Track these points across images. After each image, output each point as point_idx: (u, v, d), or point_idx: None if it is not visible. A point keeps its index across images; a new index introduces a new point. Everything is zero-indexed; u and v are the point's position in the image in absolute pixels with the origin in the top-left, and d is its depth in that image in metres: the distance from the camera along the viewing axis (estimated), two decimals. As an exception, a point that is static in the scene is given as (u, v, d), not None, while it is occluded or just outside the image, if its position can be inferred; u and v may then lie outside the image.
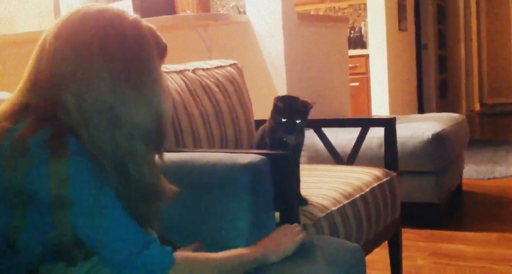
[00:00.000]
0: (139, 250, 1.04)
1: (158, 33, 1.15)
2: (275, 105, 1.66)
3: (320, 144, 2.58)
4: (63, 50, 1.04)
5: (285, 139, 1.66)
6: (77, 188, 1.00)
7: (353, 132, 2.51)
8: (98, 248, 1.04)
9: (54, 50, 1.05)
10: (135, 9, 3.68)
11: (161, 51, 1.15)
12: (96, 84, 1.03)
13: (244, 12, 3.63)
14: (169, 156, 1.57)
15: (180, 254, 1.12)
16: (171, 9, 4.12)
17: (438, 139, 3.09)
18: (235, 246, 1.40)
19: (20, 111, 1.05)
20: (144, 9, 3.84)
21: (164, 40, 1.17)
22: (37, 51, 1.08)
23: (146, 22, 1.13)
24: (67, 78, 1.03)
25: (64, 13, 1.10)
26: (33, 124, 1.01)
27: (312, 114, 3.66)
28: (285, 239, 1.34)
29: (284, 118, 1.62)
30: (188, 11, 3.83)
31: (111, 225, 1.03)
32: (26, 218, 1.01)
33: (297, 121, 1.61)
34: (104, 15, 1.08)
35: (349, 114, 4.37)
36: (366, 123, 2.48)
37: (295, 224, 1.42)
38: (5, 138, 1.00)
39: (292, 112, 1.62)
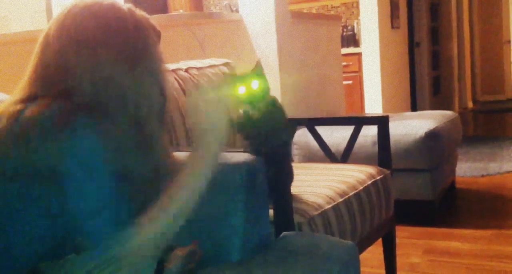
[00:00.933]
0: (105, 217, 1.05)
1: (152, 21, 1.22)
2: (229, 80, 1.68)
3: (313, 142, 2.58)
4: (70, 42, 1.10)
5: (242, 113, 1.62)
6: (75, 158, 1.02)
7: (347, 131, 2.51)
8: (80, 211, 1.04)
9: (60, 43, 1.11)
10: (127, 8, 3.68)
11: (157, 37, 1.23)
12: (109, 70, 1.09)
13: (237, 11, 3.62)
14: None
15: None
16: (163, 8, 4.12)
17: (431, 136, 3.10)
18: (230, 245, 1.40)
19: (33, 97, 1.09)
20: (136, 8, 3.83)
21: (158, 28, 1.24)
22: (41, 46, 1.14)
23: (139, 10, 1.21)
24: (79, 69, 1.09)
25: (61, 9, 1.15)
26: (45, 102, 1.05)
27: (306, 113, 3.68)
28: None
29: (240, 87, 1.59)
30: (181, 10, 3.83)
31: (95, 196, 1.04)
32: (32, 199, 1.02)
33: (253, 84, 1.56)
34: (101, 6, 1.14)
35: (342, 113, 4.37)
36: (359, 121, 2.48)
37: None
38: (17, 116, 1.04)
39: (247, 78, 1.54)
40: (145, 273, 1.14)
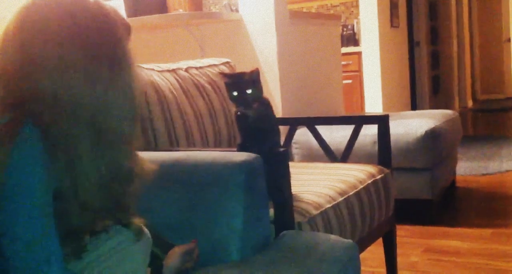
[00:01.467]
0: (38, 264, 0.97)
1: (121, 13, 1.15)
2: (224, 83, 1.68)
3: (313, 142, 2.58)
4: (32, 39, 1.03)
5: (239, 113, 1.67)
6: (12, 172, 0.97)
7: (347, 130, 2.51)
8: (4, 237, 0.98)
9: (21, 39, 1.04)
10: (127, 8, 3.67)
11: (127, 30, 1.15)
12: (72, 70, 1.03)
13: (237, 10, 3.62)
14: (163, 155, 1.58)
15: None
16: (163, 8, 4.11)
17: (431, 135, 3.10)
18: (230, 244, 1.40)
19: None
20: (136, 8, 3.83)
21: (128, 21, 1.17)
22: (0, 41, 1.06)
23: (107, 2, 1.13)
24: (40, 67, 1.02)
25: (23, 2, 1.08)
26: None
27: (306, 112, 3.68)
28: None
29: (235, 92, 1.63)
30: (180, 10, 3.82)
31: (28, 218, 0.97)
32: None
33: (248, 91, 1.62)
34: (66, 0, 1.07)
35: (342, 112, 4.37)
36: (359, 120, 2.48)
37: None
38: None
39: (240, 84, 1.63)
40: (139, 269, 1.14)
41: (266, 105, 1.71)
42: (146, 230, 1.17)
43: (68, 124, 1.02)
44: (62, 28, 1.04)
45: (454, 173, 3.89)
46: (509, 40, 9.86)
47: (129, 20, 3.44)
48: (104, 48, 1.07)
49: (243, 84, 1.64)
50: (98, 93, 1.05)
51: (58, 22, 1.04)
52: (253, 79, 1.64)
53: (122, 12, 3.72)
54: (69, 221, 1.05)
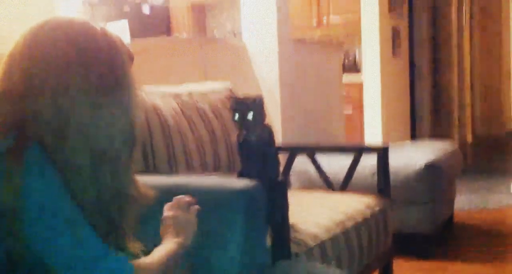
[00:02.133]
0: (95, 261, 1.01)
1: (125, 42, 1.17)
2: (230, 107, 1.70)
3: (312, 170, 2.57)
4: (38, 61, 1.04)
5: (242, 137, 1.67)
6: (31, 197, 0.98)
7: (346, 160, 2.50)
8: (52, 262, 1.00)
9: (28, 61, 1.05)
10: (131, 31, 3.69)
11: (130, 59, 1.17)
12: (75, 93, 1.04)
13: (240, 36, 3.64)
14: (162, 179, 1.57)
15: (134, 262, 1.09)
16: (167, 31, 4.14)
17: (431, 168, 3.08)
18: (226, 270, 1.38)
19: None
20: (140, 31, 3.85)
21: (131, 50, 1.19)
22: (6, 63, 1.07)
23: (112, 31, 1.15)
24: (44, 89, 1.03)
25: (30, 27, 1.09)
26: None
27: (306, 140, 3.67)
28: (183, 218, 1.28)
29: (237, 116, 1.65)
30: (184, 34, 3.84)
31: (66, 234, 1.00)
32: None
33: (249, 116, 1.63)
34: (74, 25, 1.09)
35: (343, 141, 4.36)
36: (359, 150, 2.47)
37: (180, 197, 1.33)
38: None
39: (242, 109, 1.64)
40: None
41: (269, 132, 1.71)
42: (142, 257, 1.15)
43: (69, 147, 1.03)
44: (67, 54, 1.05)
45: (453, 207, 3.87)
46: (509, 72, 9.92)
47: (134, 42, 3.45)
48: (108, 74, 1.08)
49: (246, 109, 1.64)
50: (100, 118, 1.06)
51: (64, 48, 1.05)
52: (255, 104, 1.65)
53: (127, 34, 3.73)
54: None
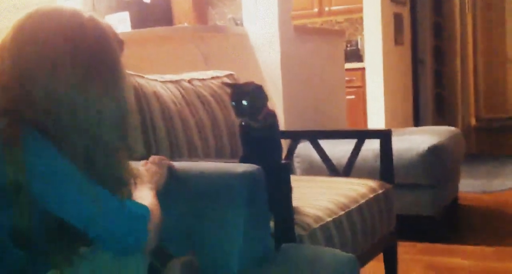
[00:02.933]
0: (115, 211, 1.06)
1: (114, 29, 1.20)
2: (229, 94, 1.72)
3: (315, 156, 2.58)
4: (28, 49, 1.07)
5: (243, 123, 1.68)
6: (33, 164, 1.01)
7: (349, 145, 2.50)
8: (73, 218, 1.04)
9: (18, 50, 1.08)
10: (132, 21, 3.69)
11: (120, 45, 1.19)
12: (65, 79, 1.06)
13: (241, 24, 3.64)
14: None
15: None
16: (168, 21, 4.13)
17: (434, 151, 3.08)
18: (230, 257, 1.39)
19: None
20: (141, 21, 3.85)
21: (121, 37, 1.21)
22: None
23: (102, 18, 1.18)
24: (34, 76, 1.06)
25: (20, 16, 1.12)
26: None
27: (308, 126, 3.67)
28: (155, 169, 1.40)
29: (233, 102, 1.65)
30: (186, 23, 3.84)
31: (81, 195, 1.04)
32: None
33: (244, 101, 1.63)
34: (63, 13, 1.12)
35: (345, 127, 4.37)
36: (362, 135, 2.48)
37: (154, 156, 1.47)
38: None
39: (239, 95, 1.65)
40: None
41: (272, 117, 1.71)
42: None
43: (63, 130, 1.06)
44: (55, 41, 1.08)
45: (457, 190, 3.87)
46: (512, 60, 9.89)
47: (135, 32, 3.48)
48: (96, 60, 1.10)
49: (241, 96, 1.65)
50: (90, 102, 1.08)
51: (52, 35, 1.08)
52: (250, 90, 1.65)
53: (128, 24, 3.73)
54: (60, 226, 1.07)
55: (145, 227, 1.10)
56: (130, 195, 1.18)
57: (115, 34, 1.18)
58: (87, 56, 1.09)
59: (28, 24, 1.09)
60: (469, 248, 3.01)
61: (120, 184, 1.14)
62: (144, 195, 1.23)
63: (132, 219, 1.08)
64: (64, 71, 1.06)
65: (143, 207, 1.12)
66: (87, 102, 1.08)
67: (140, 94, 1.92)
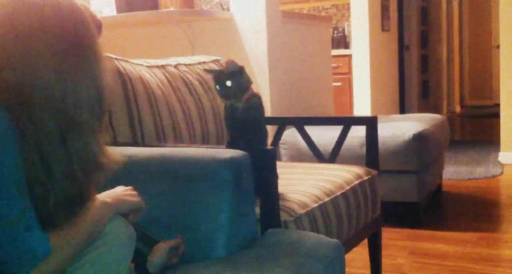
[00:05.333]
0: (21, 227, 0.99)
1: (92, 10, 1.18)
2: (212, 78, 1.71)
3: (302, 142, 2.58)
4: (2, 32, 1.05)
5: (228, 105, 1.68)
6: None
7: (335, 131, 2.51)
8: None
9: None
10: (118, 4, 3.66)
11: (98, 27, 1.17)
12: (39, 60, 1.05)
13: (228, 9, 3.62)
14: (150, 150, 1.57)
15: (53, 238, 1.06)
16: (154, 5, 4.10)
17: (419, 138, 3.11)
18: (215, 241, 1.39)
19: None
20: (127, 5, 3.82)
21: (99, 18, 1.19)
22: None
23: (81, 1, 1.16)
24: (8, 58, 1.04)
25: None
26: None
27: (295, 113, 3.67)
28: (128, 196, 1.27)
29: (217, 84, 1.65)
30: (172, 7, 3.81)
31: (7, 194, 0.99)
32: None
33: (228, 82, 1.64)
34: None
35: (332, 114, 4.37)
36: (348, 121, 2.48)
37: (129, 187, 1.31)
38: None
39: (222, 77, 1.65)
40: (122, 265, 1.13)
41: (256, 98, 1.71)
42: (129, 224, 1.17)
43: (37, 113, 1.04)
44: (30, 22, 1.05)
45: (441, 177, 3.91)
46: (498, 46, 9.93)
47: (121, 16, 3.45)
48: (72, 43, 1.09)
49: (224, 78, 1.65)
50: (65, 85, 1.06)
51: (26, 15, 1.06)
52: (231, 71, 1.65)
53: (113, 8, 3.70)
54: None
55: (31, 263, 1.01)
56: (104, 181, 1.16)
57: (92, 15, 1.16)
58: (63, 38, 1.08)
59: (3, 6, 1.07)
60: (453, 234, 3.04)
61: (96, 167, 1.12)
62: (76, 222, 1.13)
63: (25, 250, 1.01)
64: (36, 52, 1.05)
65: (43, 246, 1.02)
66: (62, 84, 1.06)
67: (126, 79, 1.91)
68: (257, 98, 1.71)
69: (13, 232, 1.00)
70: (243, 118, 1.67)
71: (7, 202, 0.99)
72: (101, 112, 1.14)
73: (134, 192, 1.28)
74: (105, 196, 1.21)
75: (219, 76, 1.66)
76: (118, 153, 1.20)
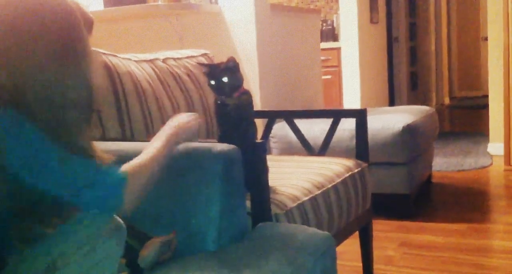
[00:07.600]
0: (94, 170, 1.09)
1: (85, 8, 1.19)
2: (203, 73, 1.72)
3: (292, 135, 2.58)
4: (2, 34, 1.06)
5: (219, 101, 1.68)
6: (11, 140, 1.03)
7: (325, 124, 2.51)
8: (49, 189, 1.06)
9: None
10: (105, -2, 3.63)
11: (89, 25, 1.18)
12: (30, 58, 1.06)
13: (216, 2, 3.60)
14: (141, 145, 1.56)
15: (126, 167, 1.15)
16: (142, -1, 4.07)
17: (408, 130, 3.12)
18: (206, 234, 1.39)
19: None
20: (114, -1, 3.79)
21: (91, 15, 1.20)
22: None
23: None
24: (7, 60, 1.05)
25: None
26: None
27: (285, 106, 3.67)
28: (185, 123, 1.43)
29: (212, 81, 1.65)
30: (160, 1, 3.79)
31: (57, 158, 1.06)
32: None
33: (224, 79, 1.63)
34: None
35: (321, 107, 4.37)
36: (337, 114, 2.48)
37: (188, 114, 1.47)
38: None
39: (217, 73, 1.65)
40: (111, 261, 1.13)
41: (247, 95, 1.71)
42: (119, 219, 1.16)
43: (28, 110, 1.06)
44: (19, 19, 1.06)
45: (431, 168, 3.92)
46: (486, 38, 9.97)
47: (108, 10, 3.42)
48: (66, 45, 1.10)
49: (220, 73, 1.64)
50: (54, 81, 1.08)
51: (20, 13, 1.07)
52: (229, 67, 1.65)
53: (101, 2, 3.67)
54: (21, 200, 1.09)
55: (118, 193, 1.10)
56: None
57: (84, 12, 1.17)
58: (59, 42, 1.09)
59: (2, 8, 1.08)
60: (443, 225, 3.06)
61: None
62: (147, 152, 1.24)
63: (107, 185, 1.09)
64: (27, 50, 1.06)
65: (118, 174, 1.12)
66: (52, 81, 1.07)
67: (114, 74, 1.89)
68: (248, 96, 1.71)
69: (90, 178, 1.07)
70: (234, 116, 1.67)
71: (81, 168, 1.07)
72: (89, 110, 1.15)
73: (193, 117, 1.43)
74: (167, 128, 1.36)
75: (215, 72, 1.66)
76: (107, 150, 1.20)
